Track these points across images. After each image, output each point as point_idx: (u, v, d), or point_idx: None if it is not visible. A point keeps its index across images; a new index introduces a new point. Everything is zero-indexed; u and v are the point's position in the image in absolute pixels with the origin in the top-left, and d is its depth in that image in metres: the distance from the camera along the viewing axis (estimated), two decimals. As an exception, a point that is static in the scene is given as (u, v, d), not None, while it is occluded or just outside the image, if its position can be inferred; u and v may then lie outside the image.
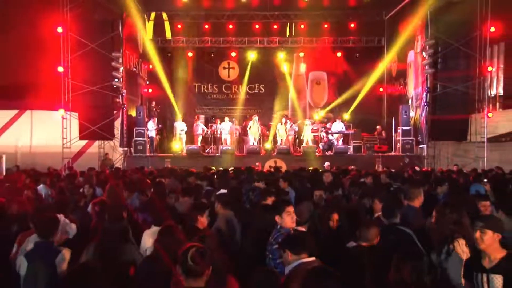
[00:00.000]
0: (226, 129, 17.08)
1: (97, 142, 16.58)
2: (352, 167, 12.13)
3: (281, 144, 16.60)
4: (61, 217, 4.21)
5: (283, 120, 17.03)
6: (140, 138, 15.51)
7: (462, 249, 3.38)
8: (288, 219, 3.80)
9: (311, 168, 11.95)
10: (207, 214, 4.34)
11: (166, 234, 3.49)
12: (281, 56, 19.84)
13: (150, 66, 19.29)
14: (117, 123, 16.09)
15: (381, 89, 19.94)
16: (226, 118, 17.44)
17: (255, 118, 17.10)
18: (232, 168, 11.40)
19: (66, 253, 3.70)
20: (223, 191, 6.12)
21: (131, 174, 9.77)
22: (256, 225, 4.43)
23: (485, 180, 7.84)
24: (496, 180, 8.26)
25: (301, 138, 17.02)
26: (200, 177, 8.06)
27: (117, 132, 16.03)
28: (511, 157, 15.70)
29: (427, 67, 15.06)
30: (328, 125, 17.62)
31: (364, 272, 3.46)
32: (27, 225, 4.31)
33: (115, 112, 16.02)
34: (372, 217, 4.92)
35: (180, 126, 17.05)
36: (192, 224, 4.13)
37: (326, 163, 13.36)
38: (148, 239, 4.19)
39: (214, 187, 6.87)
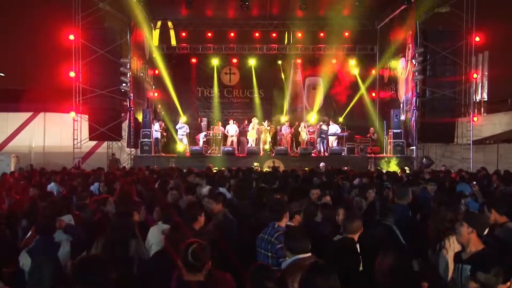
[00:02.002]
0: (231, 131, 17.02)
1: (105, 143, 16.57)
2: (345, 168, 12.11)
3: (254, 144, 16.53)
4: (68, 217, 4.17)
5: (257, 121, 16.95)
6: (146, 139, 15.46)
7: (452, 246, 3.37)
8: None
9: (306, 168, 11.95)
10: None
11: (174, 231, 3.47)
12: (279, 63, 19.83)
13: (156, 71, 19.27)
14: (125, 125, 16.06)
15: (373, 94, 19.93)
16: (231, 121, 17.36)
17: (255, 120, 17.04)
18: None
19: (66, 245, 3.65)
20: (221, 189, 6.07)
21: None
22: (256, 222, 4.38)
23: (474, 182, 7.76)
24: (483, 181, 8.23)
25: (299, 140, 17.02)
26: (200, 176, 7.99)
27: (124, 133, 16.00)
28: (494, 158, 15.73)
29: (416, 73, 15.06)
30: (323, 128, 17.51)
31: (351, 262, 3.40)
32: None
33: (122, 114, 16.00)
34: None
35: (182, 128, 16.92)
36: (190, 223, 4.09)
37: (322, 164, 13.33)
38: (153, 235, 4.16)
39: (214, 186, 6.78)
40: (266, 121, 17.23)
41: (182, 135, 16.74)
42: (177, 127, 16.91)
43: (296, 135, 17.52)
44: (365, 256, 3.46)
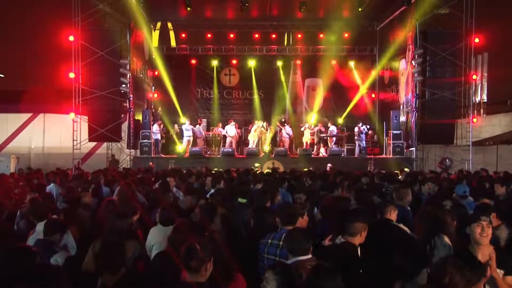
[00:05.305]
0: (230, 132, 17.00)
1: (105, 144, 16.57)
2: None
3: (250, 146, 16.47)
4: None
5: (261, 123, 16.87)
6: (146, 140, 15.46)
7: (446, 243, 3.40)
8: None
9: (305, 169, 11.96)
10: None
11: (177, 232, 3.46)
12: (279, 64, 19.82)
13: (156, 73, 19.27)
14: (124, 126, 16.07)
15: (373, 95, 19.94)
16: (233, 122, 17.33)
17: (259, 123, 16.90)
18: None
19: (62, 256, 3.61)
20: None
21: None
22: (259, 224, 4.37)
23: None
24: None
25: (302, 141, 17.00)
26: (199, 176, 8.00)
27: (124, 134, 16.01)
28: (494, 159, 15.75)
29: (416, 74, 15.07)
30: (323, 129, 17.53)
31: (352, 267, 3.36)
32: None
33: (122, 115, 16.00)
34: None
35: (189, 130, 16.82)
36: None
37: (329, 165, 13.31)
38: (154, 236, 4.15)
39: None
40: (265, 122, 17.18)
41: (189, 136, 16.58)
42: (183, 128, 16.78)
43: (296, 136, 17.51)
44: (376, 258, 3.40)
